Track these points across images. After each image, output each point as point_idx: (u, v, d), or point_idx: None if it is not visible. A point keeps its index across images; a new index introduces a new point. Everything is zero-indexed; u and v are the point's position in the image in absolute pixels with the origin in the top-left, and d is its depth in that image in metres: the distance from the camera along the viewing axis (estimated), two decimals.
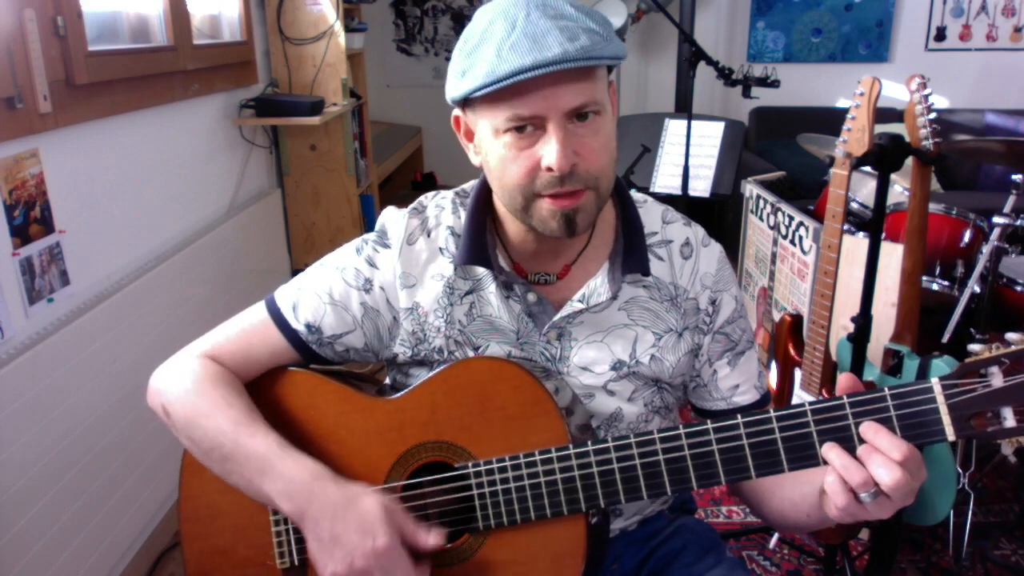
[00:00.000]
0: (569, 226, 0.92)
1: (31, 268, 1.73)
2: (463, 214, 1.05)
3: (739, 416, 0.85)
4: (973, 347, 0.78)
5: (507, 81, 0.84)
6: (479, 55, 0.87)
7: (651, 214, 1.07)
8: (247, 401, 1.00)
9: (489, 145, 0.93)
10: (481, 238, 1.01)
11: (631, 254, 1.02)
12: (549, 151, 0.88)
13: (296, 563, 1.01)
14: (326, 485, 0.92)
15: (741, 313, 1.09)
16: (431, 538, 0.90)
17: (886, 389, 0.80)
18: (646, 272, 1.03)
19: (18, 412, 1.60)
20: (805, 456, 0.83)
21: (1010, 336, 0.75)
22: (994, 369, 0.76)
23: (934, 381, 0.78)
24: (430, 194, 1.10)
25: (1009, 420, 0.75)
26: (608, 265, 1.02)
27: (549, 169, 0.88)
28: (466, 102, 0.93)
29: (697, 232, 1.09)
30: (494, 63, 0.85)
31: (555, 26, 0.85)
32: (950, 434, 0.77)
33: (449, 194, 1.08)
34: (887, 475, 0.78)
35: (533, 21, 0.86)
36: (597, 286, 1.01)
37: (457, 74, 0.90)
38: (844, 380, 0.84)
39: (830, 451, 0.81)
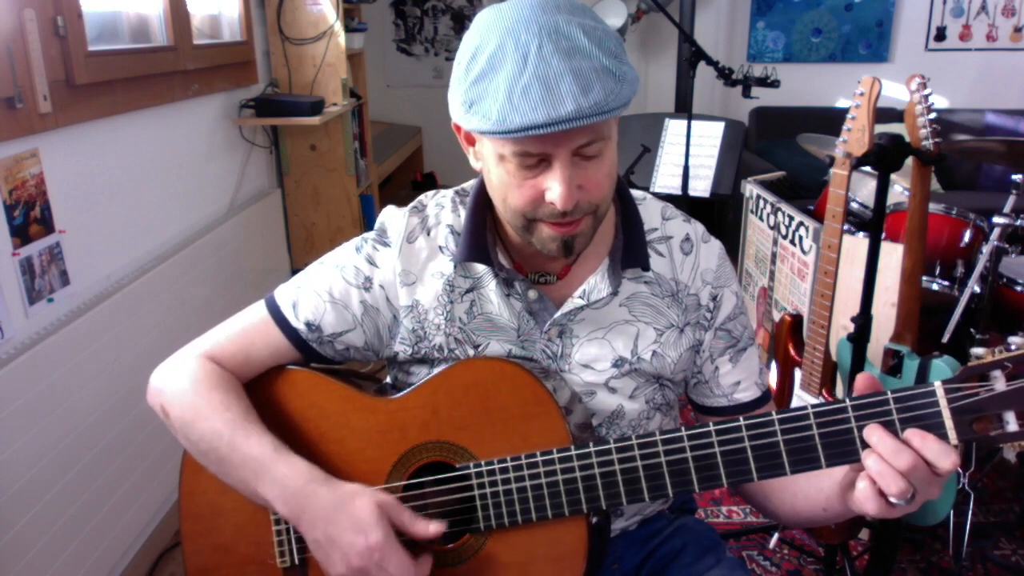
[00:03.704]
0: (567, 249, 0.94)
1: (31, 268, 1.73)
2: (463, 212, 1.05)
3: (741, 416, 0.85)
4: (976, 351, 0.78)
5: (518, 135, 0.83)
6: (488, 89, 0.84)
7: (651, 210, 1.08)
8: (245, 403, 1.00)
9: (492, 164, 0.92)
10: (481, 236, 1.01)
11: (631, 249, 1.02)
12: (554, 188, 0.88)
13: (296, 562, 1.01)
14: (319, 488, 0.92)
15: (742, 309, 1.09)
16: (431, 528, 0.90)
17: (888, 392, 0.79)
18: (645, 266, 1.03)
19: (18, 412, 1.60)
20: (807, 459, 0.82)
21: (1013, 340, 0.75)
22: (997, 373, 0.75)
23: (936, 384, 0.77)
24: (430, 193, 1.10)
25: (1012, 424, 0.75)
26: (608, 261, 1.03)
27: (552, 202, 0.89)
28: None
29: (697, 228, 1.09)
30: (505, 109, 0.82)
31: (568, 68, 0.82)
32: (952, 438, 0.77)
33: (449, 193, 1.08)
34: (936, 491, 0.79)
35: (545, 58, 0.82)
36: (597, 282, 1.01)
37: (463, 101, 0.87)
38: (861, 380, 0.84)
39: (867, 457, 0.79)
